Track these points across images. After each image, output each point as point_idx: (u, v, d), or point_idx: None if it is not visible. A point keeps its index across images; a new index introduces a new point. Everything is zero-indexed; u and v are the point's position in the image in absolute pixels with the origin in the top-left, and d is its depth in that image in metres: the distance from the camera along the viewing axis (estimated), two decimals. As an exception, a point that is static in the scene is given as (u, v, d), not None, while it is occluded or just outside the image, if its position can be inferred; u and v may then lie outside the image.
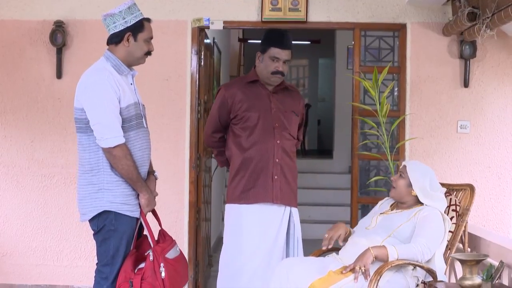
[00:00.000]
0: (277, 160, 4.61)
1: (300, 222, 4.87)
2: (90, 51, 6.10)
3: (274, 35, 4.63)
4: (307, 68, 15.86)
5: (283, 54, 4.58)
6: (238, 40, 14.28)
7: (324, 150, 14.00)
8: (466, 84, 6.03)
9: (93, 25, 6.14)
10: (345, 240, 4.44)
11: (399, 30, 6.14)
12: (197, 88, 6.16)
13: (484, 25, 5.05)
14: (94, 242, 6.02)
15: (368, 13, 6.10)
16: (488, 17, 5.03)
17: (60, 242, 6.20)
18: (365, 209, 6.31)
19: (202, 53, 6.27)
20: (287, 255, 4.69)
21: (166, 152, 6.08)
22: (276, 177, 4.59)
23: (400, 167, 4.51)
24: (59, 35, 6.07)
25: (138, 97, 4.06)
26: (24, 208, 6.22)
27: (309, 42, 14.34)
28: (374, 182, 6.08)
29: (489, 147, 6.07)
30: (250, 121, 4.62)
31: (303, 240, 4.85)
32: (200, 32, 6.19)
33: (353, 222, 6.14)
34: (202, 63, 6.27)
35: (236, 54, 14.02)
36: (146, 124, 4.09)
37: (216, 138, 4.79)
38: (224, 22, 6.14)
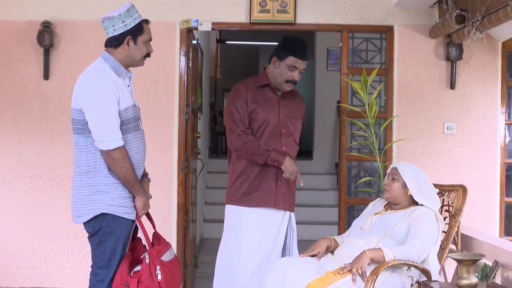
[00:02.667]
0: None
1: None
2: (78, 52, 6.09)
3: (295, 45, 4.61)
4: (284, 70, 15.87)
5: (302, 64, 4.62)
6: (216, 41, 14.30)
7: (301, 151, 14.01)
8: (452, 85, 6.10)
9: (80, 26, 6.12)
10: (332, 251, 4.46)
11: (386, 32, 6.19)
12: (185, 89, 6.15)
13: (474, 28, 5.11)
14: (82, 244, 6.08)
15: (355, 15, 6.14)
16: (478, 20, 5.09)
17: (47, 244, 6.14)
18: (348, 210, 6.34)
19: (190, 54, 6.27)
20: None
21: (155, 153, 6.03)
22: (280, 182, 4.63)
23: (389, 170, 4.54)
24: (46, 35, 6.01)
25: (134, 99, 4.05)
26: (11, 210, 6.15)
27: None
28: (356, 182, 6.15)
29: (475, 148, 6.14)
30: (258, 124, 4.63)
31: None
32: (188, 33, 6.18)
33: (341, 223, 6.17)
34: (190, 64, 6.27)
35: (213, 55, 14.04)
36: (142, 126, 4.08)
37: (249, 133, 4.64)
38: (213, 23, 6.14)
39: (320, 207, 10.04)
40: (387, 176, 4.53)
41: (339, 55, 10.71)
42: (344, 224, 6.14)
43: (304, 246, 7.94)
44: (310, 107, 12.26)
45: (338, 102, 10.47)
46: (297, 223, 9.60)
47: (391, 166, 4.55)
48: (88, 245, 5.96)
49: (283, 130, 4.65)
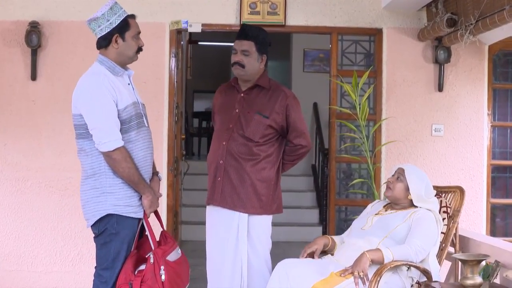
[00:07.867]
0: (221, 162, 4.54)
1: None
2: (66, 52, 6.04)
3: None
4: (256, 71, 15.88)
5: (238, 44, 4.51)
6: (187, 42, 14.22)
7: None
8: (440, 88, 6.18)
9: (68, 26, 6.06)
10: (330, 251, 4.47)
11: (375, 34, 6.25)
12: (175, 91, 6.13)
13: (468, 31, 5.17)
14: (70, 246, 6.06)
15: (345, 18, 6.19)
16: (471, 24, 5.16)
17: (34, 247, 6.07)
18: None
19: (180, 56, 6.24)
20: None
21: (144, 155, 6.02)
22: (219, 179, 4.54)
23: (397, 169, 4.55)
24: (34, 36, 5.93)
25: (137, 96, 4.03)
26: (-3, 212, 6.08)
27: (258, 45, 14.32)
28: (339, 183, 6.20)
29: (462, 150, 6.23)
30: (216, 124, 4.67)
31: None
32: (177, 34, 6.16)
33: (331, 224, 6.20)
34: (180, 66, 6.24)
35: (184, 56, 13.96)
36: (147, 123, 4.06)
37: None
38: (203, 24, 6.13)
39: (296, 208, 10.05)
40: (392, 174, 4.54)
41: (315, 57, 10.87)
42: (333, 225, 6.16)
43: (283, 248, 8.02)
44: (286, 109, 12.26)
45: (315, 104, 10.64)
46: (274, 224, 9.58)
47: (397, 166, 4.56)
48: (76, 248, 6.05)
49: (230, 126, 4.54)
